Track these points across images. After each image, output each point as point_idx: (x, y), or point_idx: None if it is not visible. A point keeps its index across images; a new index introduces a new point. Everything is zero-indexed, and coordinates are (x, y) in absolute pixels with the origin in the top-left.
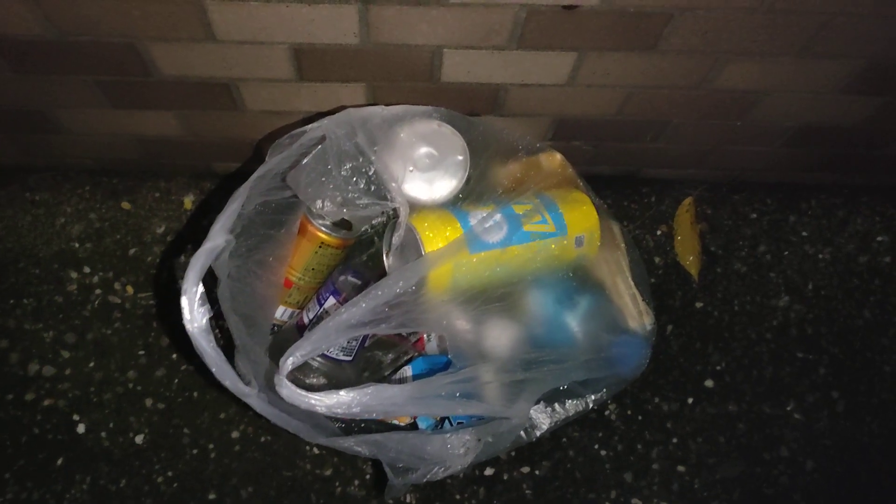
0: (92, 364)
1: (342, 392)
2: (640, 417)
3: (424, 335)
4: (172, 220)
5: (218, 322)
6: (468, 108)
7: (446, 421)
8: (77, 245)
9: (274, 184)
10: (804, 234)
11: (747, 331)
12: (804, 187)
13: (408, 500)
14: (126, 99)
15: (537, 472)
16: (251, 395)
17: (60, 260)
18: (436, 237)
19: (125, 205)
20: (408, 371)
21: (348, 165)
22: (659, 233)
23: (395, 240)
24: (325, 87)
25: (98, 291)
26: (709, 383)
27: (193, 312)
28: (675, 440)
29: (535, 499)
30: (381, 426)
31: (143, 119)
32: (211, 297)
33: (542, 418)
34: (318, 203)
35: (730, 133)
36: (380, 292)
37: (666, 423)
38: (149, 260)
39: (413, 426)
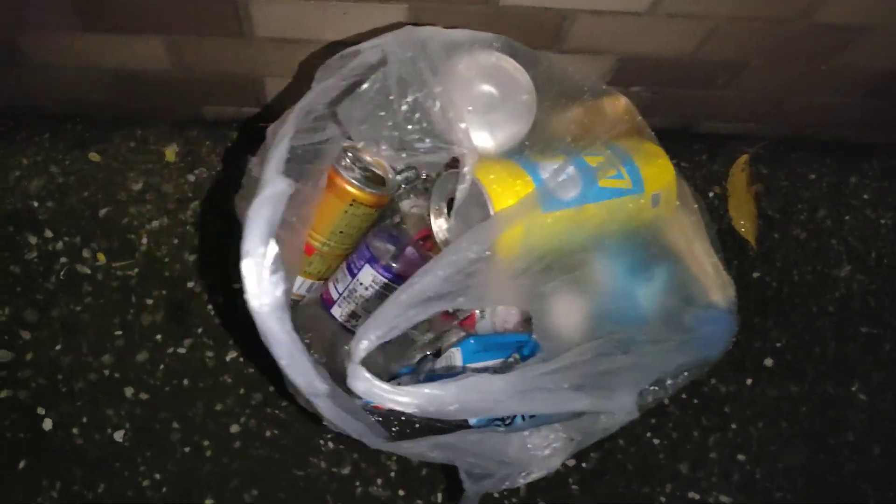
0: (58, 347)
1: (434, 386)
2: (695, 401)
3: (477, 311)
4: (152, 175)
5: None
6: (525, 39)
7: (517, 416)
8: (36, 204)
9: (304, 123)
10: (865, 196)
11: (808, 303)
12: (864, 146)
13: (439, 499)
14: (104, 18)
15: (584, 465)
16: (323, 395)
17: (16, 222)
18: (505, 192)
19: (94, 156)
20: (456, 356)
21: (411, 97)
22: (712, 194)
23: (459, 194)
24: (358, 7)
25: (63, 260)
26: (768, 362)
27: (263, 283)
28: (733, 426)
29: (583, 494)
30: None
31: (122, 46)
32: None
33: None
34: (374, 145)
35: (810, 79)
36: (453, 257)
37: (724, 408)
38: (124, 222)
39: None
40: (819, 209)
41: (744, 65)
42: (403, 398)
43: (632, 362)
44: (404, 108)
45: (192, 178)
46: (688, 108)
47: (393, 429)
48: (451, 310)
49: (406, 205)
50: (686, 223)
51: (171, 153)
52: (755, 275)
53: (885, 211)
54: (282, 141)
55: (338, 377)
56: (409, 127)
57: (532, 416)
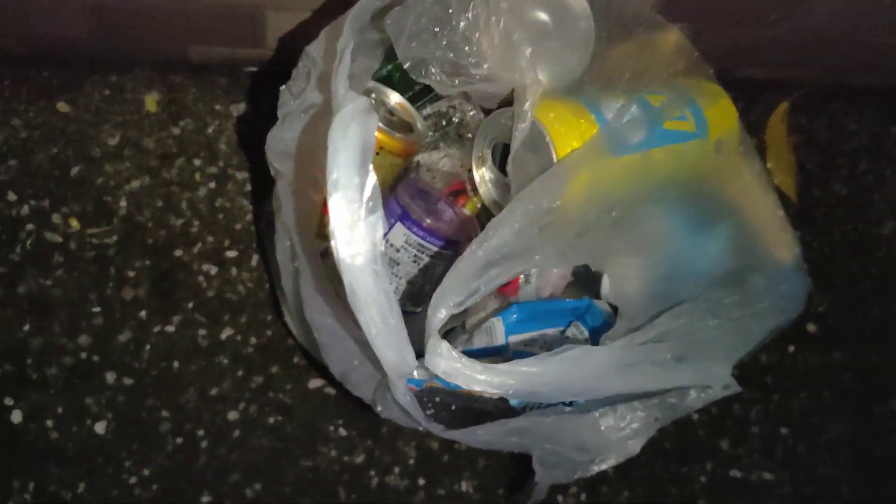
0: (27, 328)
1: (532, 361)
2: (735, 372)
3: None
4: (129, 127)
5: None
6: None
7: None
8: None
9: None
10: None
11: (850, 265)
12: None
13: (463, 487)
14: None
15: None
16: (411, 374)
17: None
18: (568, 133)
19: (62, 106)
20: (497, 326)
21: (473, 12)
22: None
23: (518, 133)
24: None
25: (30, 227)
26: (811, 327)
27: (358, 225)
28: (776, 397)
29: (619, 477)
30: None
31: None
32: None
33: None
34: (423, 68)
35: (874, 16)
36: (530, 206)
37: (765, 378)
38: (99, 182)
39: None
40: (861, 162)
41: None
42: (497, 378)
43: (728, 328)
44: (463, 24)
45: (176, 130)
46: (731, 48)
47: (427, 412)
48: (528, 271)
49: (432, 157)
50: (750, 173)
51: (151, 102)
52: (796, 233)
53: None
54: (344, 54)
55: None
56: (466, 48)
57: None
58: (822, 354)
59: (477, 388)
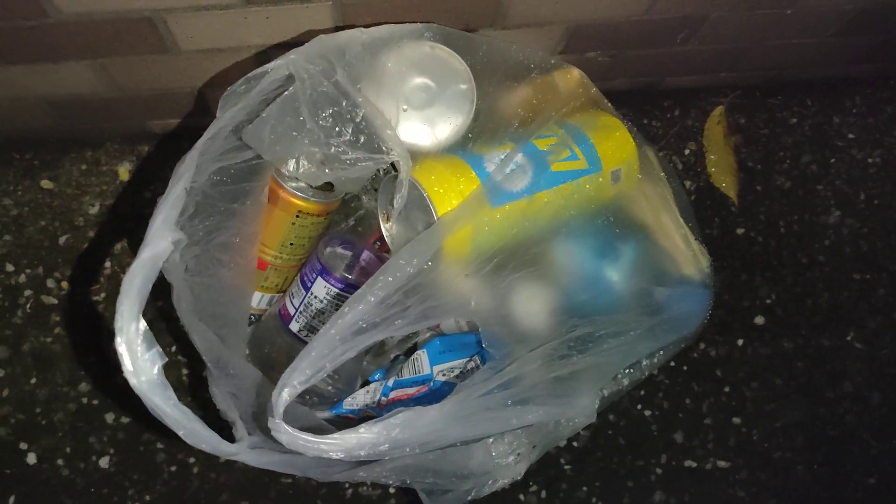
0: (33, 380)
1: (362, 429)
2: (685, 368)
3: None
4: (107, 196)
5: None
6: (462, 22)
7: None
8: None
9: (230, 144)
10: (851, 136)
11: (797, 255)
12: (846, 82)
13: None
14: (21, 50)
15: (575, 444)
16: (240, 453)
17: None
18: (448, 192)
19: (46, 184)
20: (423, 358)
21: (328, 111)
22: (687, 152)
23: (398, 201)
24: (280, 11)
25: (28, 293)
26: (759, 320)
27: (138, 361)
28: (727, 389)
29: (577, 473)
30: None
31: (49, 75)
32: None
33: None
34: (292, 164)
35: (777, 25)
36: (389, 277)
37: (715, 371)
38: (84, 247)
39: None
40: (803, 154)
41: (703, 18)
42: (328, 446)
43: (589, 363)
44: (322, 123)
45: (147, 194)
46: (650, 66)
47: None
48: (389, 337)
49: (360, 205)
50: (652, 195)
51: (124, 172)
52: (739, 231)
53: (872, 149)
54: (174, 186)
55: (304, 392)
56: (331, 141)
57: None
58: (772, 345)
59: (314, 454)
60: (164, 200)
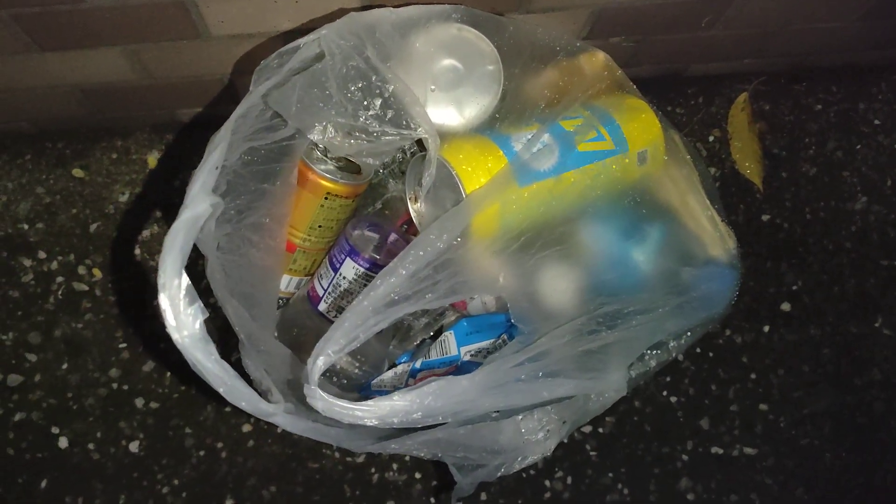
0: (65, 366)
1: (396, 397)
2: (710, 354)
3: None
4: (136, 184)
5: (208, 301)
6: (488, 5)
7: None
8: (26, 227)
9: (260, 123)
10: (876, 122)
11: (823, 242)
12: (872, 68)
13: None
14: (57, 37)
15: (601, 430)
16: (277, 414)
17: (8, 247)
18: (476, 171)
19: (77, 172)
20: (450, 340)
21: (357, 85)
22: (712, 139)
23: (426, 179)
24: None
25: (59, 279)
26: (785, 306)
27: (180, 316)
28: (753, 376)
29: (602, 459)
30: None
31: (82, 62)
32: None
33: None
34: (318, 131)
35: (802, 7)
36: (420, 252)
37: (741, 358)
38: (115, 235)
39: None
40: (828, 141)
41: (728, 1)
42: (363, 413)
43: (618, 338)
44: (351, 96)
45: (176, 183)
46: (675, 52)
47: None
48: (419, 310)
49: (387, 189)
50: (678, 177)
51: (152, 160)
52: (765, 217)
53: None
54: (211, 154)
55: (332, 374)
56: (359, 114)
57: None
58: (799, 332)
59: (349, 421)
60: (200, 168)
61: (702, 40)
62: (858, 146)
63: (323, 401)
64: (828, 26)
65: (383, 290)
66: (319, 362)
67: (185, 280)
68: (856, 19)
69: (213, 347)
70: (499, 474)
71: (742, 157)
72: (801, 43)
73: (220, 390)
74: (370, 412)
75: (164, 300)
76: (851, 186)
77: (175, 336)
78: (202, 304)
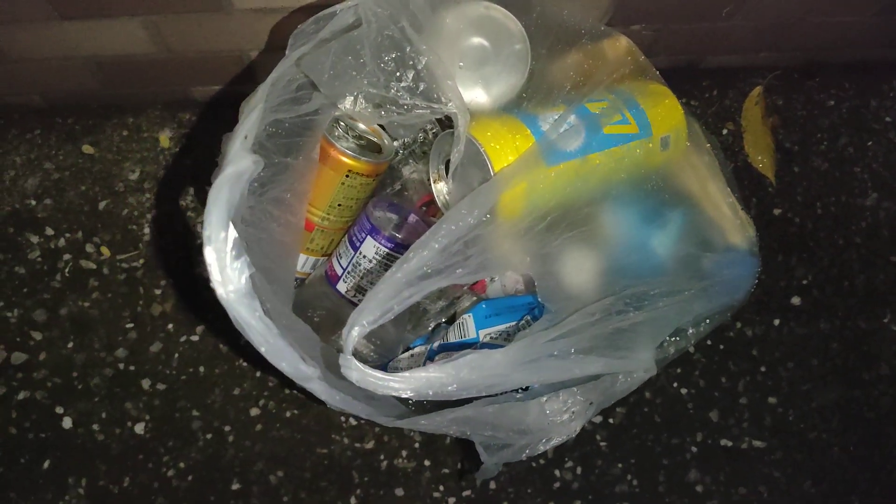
0: (71, 344)
1: (431, 368)
2: (721, 347)
3: None
4: (148, 163)
5: None
6: None
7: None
8: (34, 203)
9: (287, 94)
10: (888, 119)
11: (834, 236)
12: (884, 65)
13: (466, 466)
14: (77, 4)
15: (611, 421)
16: (314, 378)
17: (15, 222)
18: (504, 149)
19: (87, 148)
20: (468, 322)
21: (391, 55)
22: (725, 131)
23: (455, 156)
24: None
25: (67, 257)
26: (795, 300)
27: (226, 270)
28: (763, 369)
29: (612, 450)
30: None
31: (101, 32)
32: None
33: None
34: (349, 101)
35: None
36: (452, 226)
37: (751, 351)
38: (124, 213)
39: None
40: (840, 137)
41: None
42: (398, 384)
43: (647, 317)
44: (385, 66)
45: (188, 161)
46: (693, 43)
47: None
48: (431, 304)
49: (406, 170)
50: (699, 164)
51: (164, 139)
52: (776, 211)
53: None
54: (249, 115)
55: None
56: (391, 84)
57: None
58: (809, 326)
59: (383, 392)
60: (240, 126)
61: (720, 31)
62: (870, 142)
63: (358, 371)
64: (844, 20)
65: (416, 263)
66: (354, 332)
67: (233, 233)
68: (872, 14)
69: (258, 304)
70: (524, 455)
71: (755, 150)
72: (816, 37)
73: (262, 349)
74: (406, 383)
75: (209, 253)
76: (862, 182)
77: (220, 291)
78: (248, 259)
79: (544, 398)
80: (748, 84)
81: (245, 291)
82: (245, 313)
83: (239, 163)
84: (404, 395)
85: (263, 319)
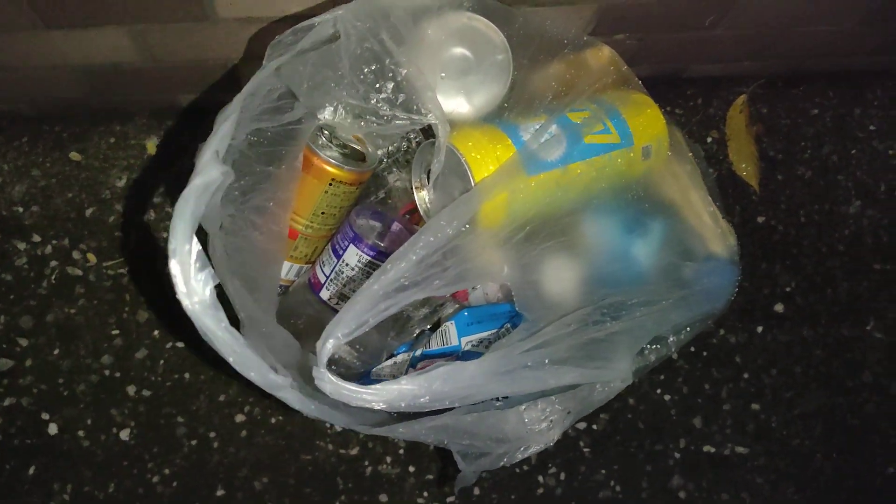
0: (56, 351)
1: (404, 381)
2: (704, 353)
3: None
4: (134, 170)
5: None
6: None
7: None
8: (21, 209)
9: (268, 103)
10: (872, 127)
11: (817, 244)
12: (868, 74)
13: (449, 472)
14: (62, 14)
15: (595, 427)
16: (285, 387)
17: (2, 229)
18: (485, 159)
19: (74, 156)
20: (451, 330)
21: (370, 68)
22: (710, 140)
23: (435, 166)
24: None
25: (53, 263)
26: (779, 308)
27: (191, 281)
28: (746, 375)
29: (595, 456)
30: None
31: (87, 41)
32: None
33: None
34: (329, 112)
35: (803, 10)
36: (430, 238)
37: (734, 357)
38: (111, 220)
39: None
40: (824, 145)
41: (732, 0)
42: (370, 396)
43: (623, 327)
44: (364, 78)
45: (175, 169)
46: (677, 52)
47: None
48: (414, 311)
49: (391, 178)
50: (680, 173)
51: (151, 145)
52: (760, 219)
53: (893, 140)
54: (221, 125)
55: (330, 362)
56: (370, 96)
57: None
58: (792, 333)
59: (357, 405)
60: (212, 137)
61: (704, 40)
62: (853, 151)
63: (331, 383)
64: (828, 29)
65: (393, 275)
66: (329, 345)
67: (196, 246)
68: (855, 24)
69: (223, 315)
70: (501, 463)
71: (739, 158)
72: (800, 46)
73: (230, 359)
74: (378, 396)
75: (174, 266)
76: (846, 190)
77: (185, 302)
78: (213, 271)
79: (523, 407)
80: (732, 93)
81: (210, 303)
82: (211, 324)
83: (206, 174)
84: (377, 408)
85: (229, 330)
